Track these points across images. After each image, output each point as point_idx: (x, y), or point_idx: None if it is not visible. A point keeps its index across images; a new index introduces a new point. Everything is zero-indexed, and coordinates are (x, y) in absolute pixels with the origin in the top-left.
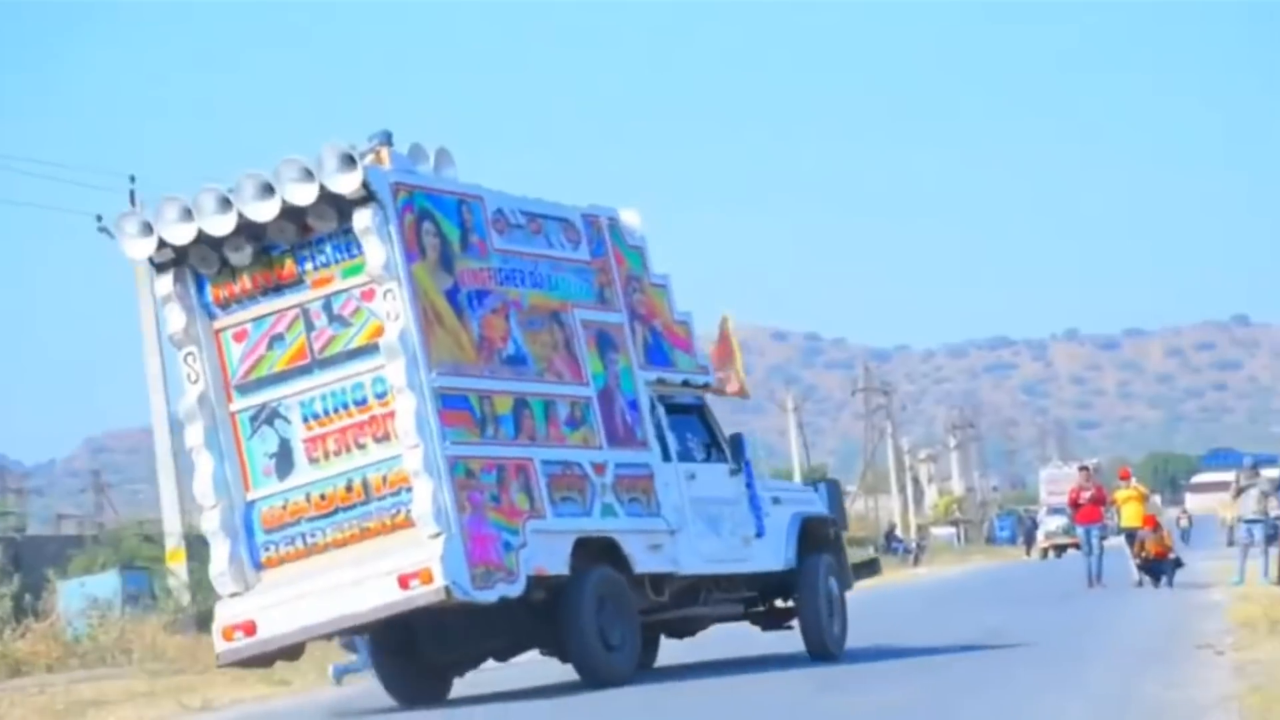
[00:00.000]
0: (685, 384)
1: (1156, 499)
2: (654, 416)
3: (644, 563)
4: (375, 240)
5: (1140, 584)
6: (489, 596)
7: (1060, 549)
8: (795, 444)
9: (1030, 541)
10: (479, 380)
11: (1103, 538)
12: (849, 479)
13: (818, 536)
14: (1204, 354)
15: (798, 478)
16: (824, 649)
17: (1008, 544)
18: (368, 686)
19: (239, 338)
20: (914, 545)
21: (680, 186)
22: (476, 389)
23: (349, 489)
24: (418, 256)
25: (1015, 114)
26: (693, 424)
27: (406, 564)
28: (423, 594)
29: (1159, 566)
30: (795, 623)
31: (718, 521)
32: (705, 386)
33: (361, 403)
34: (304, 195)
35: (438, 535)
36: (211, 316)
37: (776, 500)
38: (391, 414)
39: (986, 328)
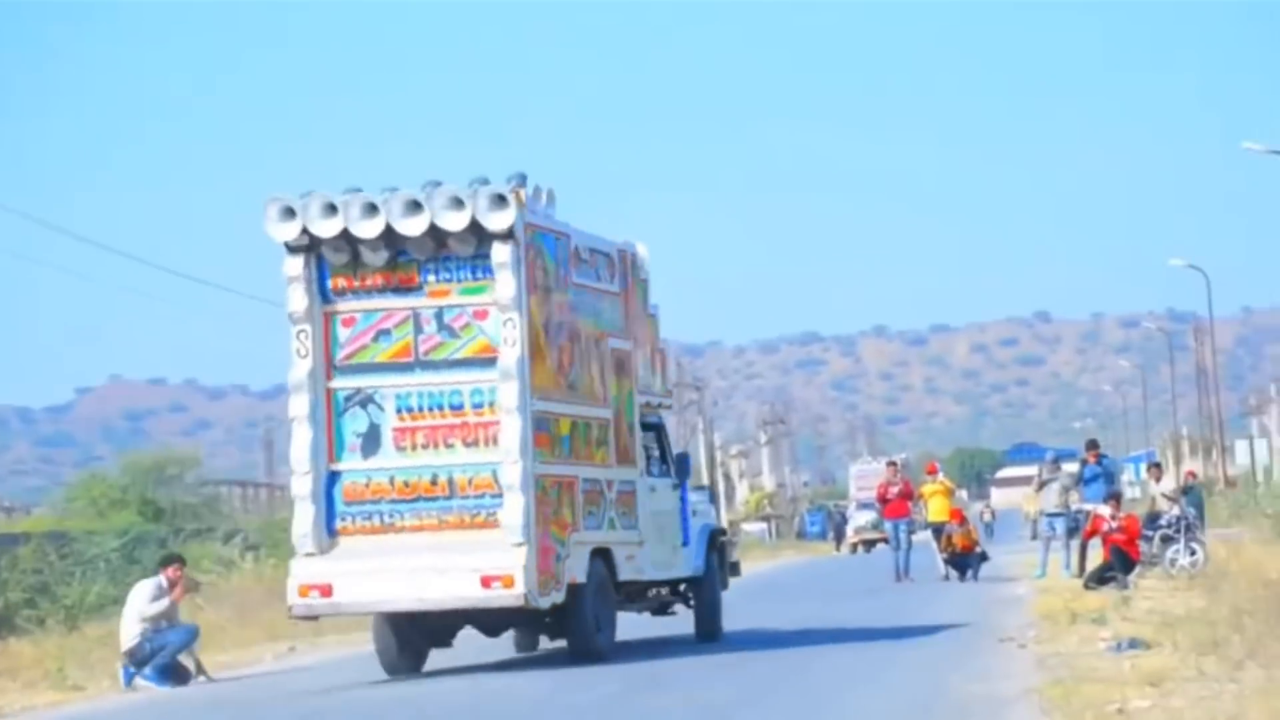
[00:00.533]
0: (657, 405)
1: (963, 493)
2: (639, 436)
3: (623, 571)
4: (509, 274)
5: (946, 578)
6: (546, 603)
7: (869, 544)
8: None
9: (840, 537)
10: (556, 405)
11: (910, 532)
12: None
13: (715, 544)
14: (1007, 349)
15: None
16: (712, 633)
17: (818, 539)
18: (159, 694)
19: (347, 323)
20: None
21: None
22: (554, 413)
23: (434, 482)
24: (532, 290)
25: (814, 109)
26: (652, 440)
27: (491, 566)
28: (502, 596)
29: (965, 560)
30: (677, 609)
31: (663, 531)
32: (667, 407)
33: (457, 408)
34: (454, 222)
35: (521, 545)
36: (326, 301)
37: (694, 512)
38: (486, 424)
39: (797, 323)
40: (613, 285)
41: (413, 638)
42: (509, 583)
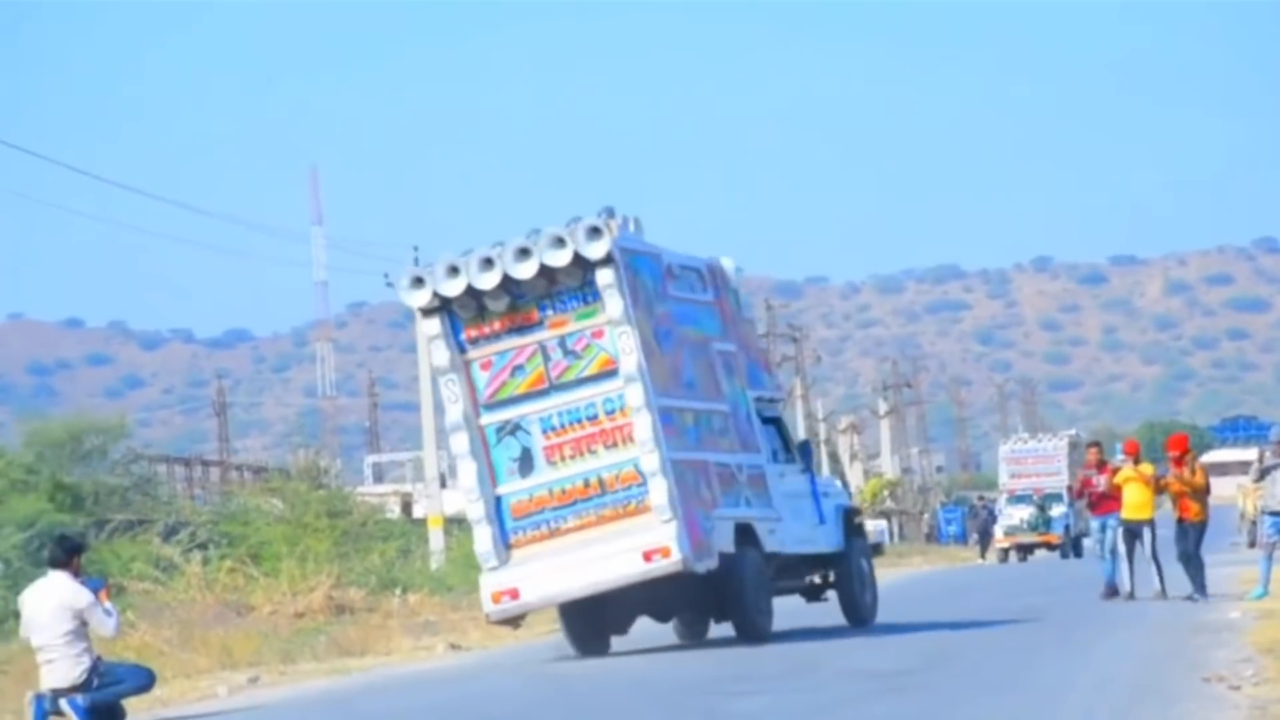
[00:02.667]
0: (771, 400)
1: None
2: (758, 426)
3: (768, 544)
4: (615, 294)
5: (1164, 594)
6: (702, 568)
7: (1025, 549)
8: None
9: (986, 539)
10: (677, 400)
11: (1134, 536)
12: None
13: (853, 524)
14: (1217, 289)
15: None
16: (860, 616)
17: (956, 542)
18: None
19: (485, 367)
20: None
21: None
22: (678, 407)
23: (586, 485)
24: (637, 305)
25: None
26: (773, 432)
27: (648, 542)
28: (663, 565)
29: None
30: (830, 595)
31: (799, 511)
32: (781, 401)
33: (593, 418)
34: (560, 259)
35: (670, 520)
36: (463, 351)
37: (825, 494)
38: (620, 427)
39: (929, 254)
40: (706, 295)
41: (594, 628)
42: (667, 553)
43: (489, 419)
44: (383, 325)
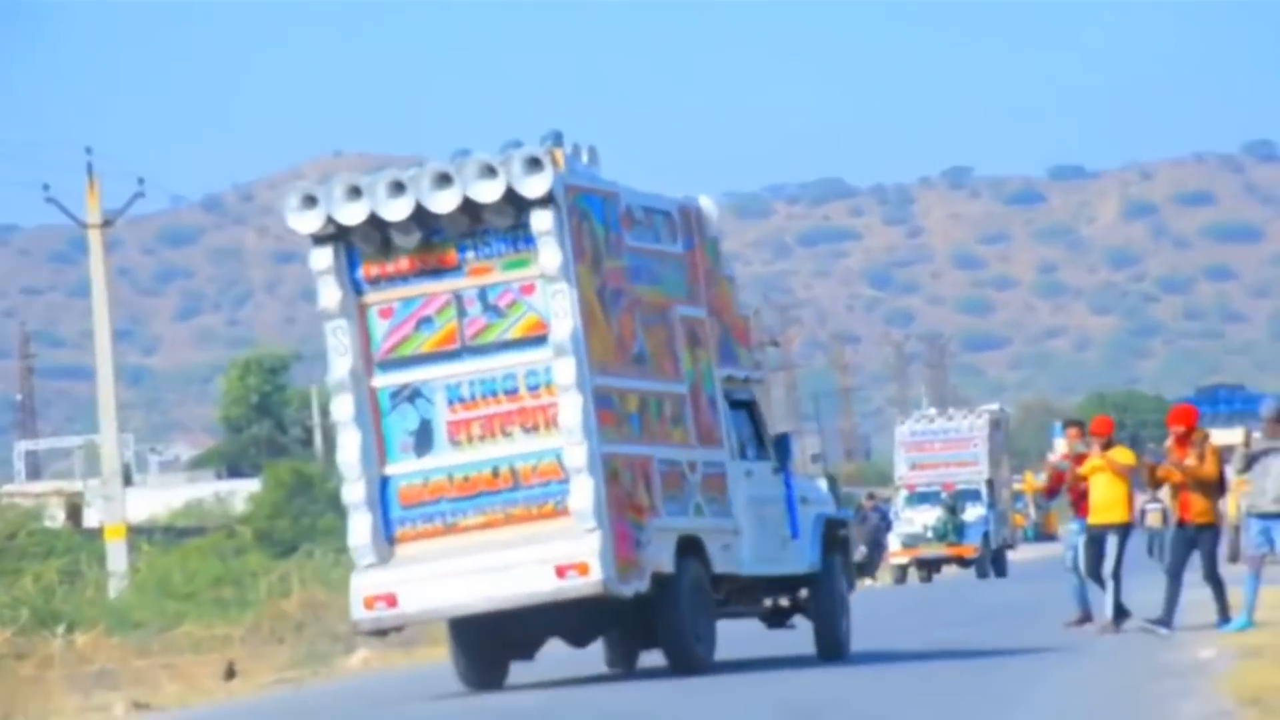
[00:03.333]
0: (745, 381)
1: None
2: (724, 414)
3: (720, 563)
4: (553, 242)
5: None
6: (628, 591)
7: (929, 565)
8: None
9: (877, 552)
10: (620, 379)
11: (1122, 542)
12: None
13: (833, 538)
14: (1194, 211)
15: None
16: (836, 650)
17: None
18: None
19: (384, 314)
20: None
21: None
22: (618, 388)
23: (495, 474)
24: (580, 257)
25: None
26: (745, 420)
27: (564, 554)
28: (578, 585)
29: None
30: (796, 620)
31: (764, 521)
32: (759, 381)
33: (512, 392)
34: (488, 193)
35: (594, 530)
36: (359, 292)
37: (804, 499)
38: (544, 407)
39: (804, 166)
40: (675, 246)
41: (490, 651)
42: (584, 570)
43: (383, 380)
44: (41, 258)
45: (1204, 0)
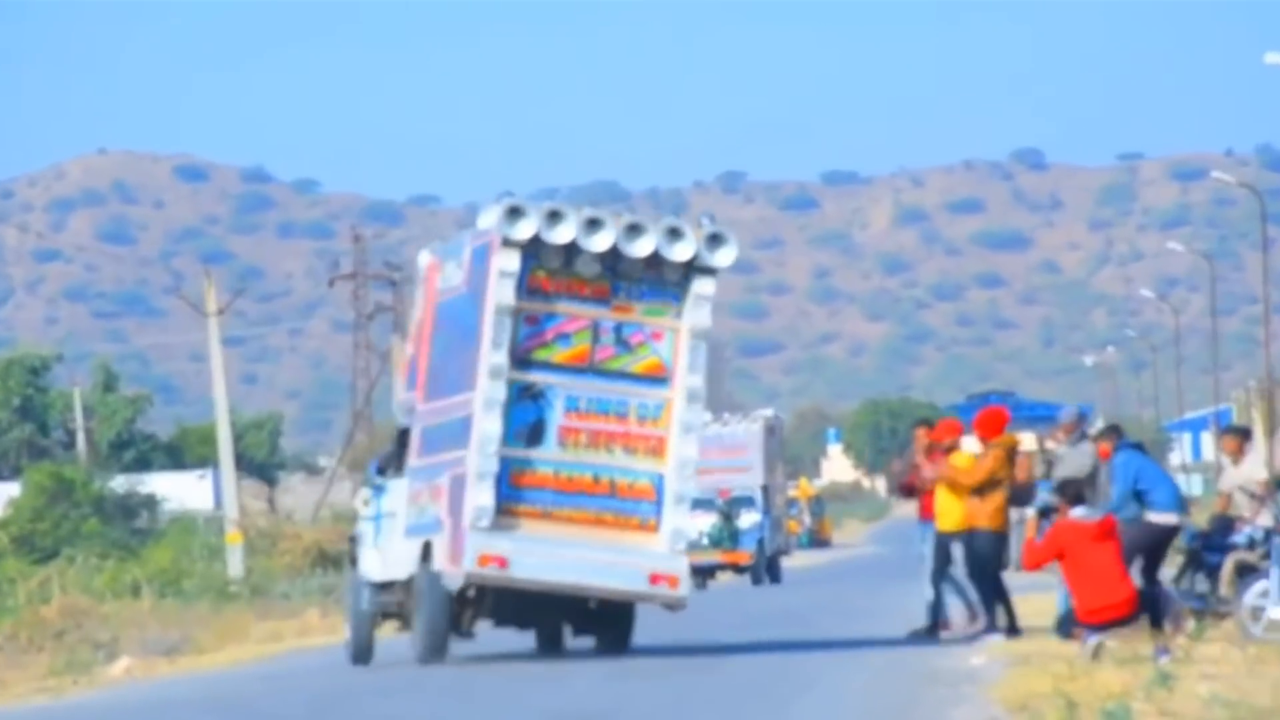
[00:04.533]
0: None
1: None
2: None
3: None
4: (707, 307)
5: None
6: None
7: (704, 572)
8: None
9: None
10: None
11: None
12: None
13: None
14: (966, 218)
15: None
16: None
17: None
18: None
19: (530, 321)
20: None
21: None
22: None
23: (596, 480)
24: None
25: None
26: None
27: (660, 568)
28: (665, 594)
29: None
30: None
31: None
32: None
33: (623, 416)
34: (679, 253)
35: (681, 551)
36: (519, 297)
37: None
38: (646, 436)
39: (579, 169)
40: None
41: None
42: (674, 584)
43: (514, 375)
44: None
45: (973, 9)
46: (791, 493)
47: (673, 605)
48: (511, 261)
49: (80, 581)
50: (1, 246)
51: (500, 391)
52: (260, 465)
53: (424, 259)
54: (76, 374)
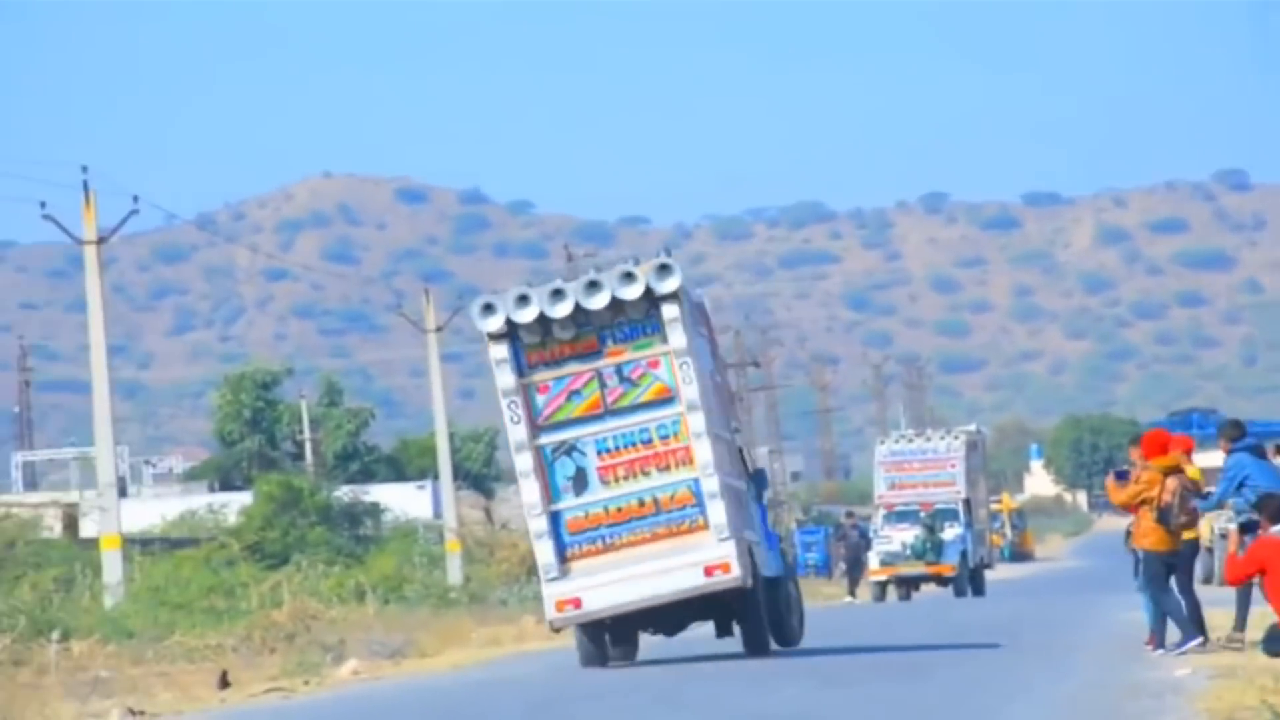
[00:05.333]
0: (737, 429)
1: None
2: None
3: (763, 566)
4: (679, 328)
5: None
6: (749, 584)
7: (908, 583)
8: None
9: (857, 569)
10: (721, 429)
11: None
12: None
13: (783, 549)
14: (1168, 237)
15: None
16: (788, 640)
17: (817, 572)
18: None
19: (542, 390)
20: None
21: None
22: (724, 436)
23: (641, 504)
24: (693, 338)
25: None
26: (738, 460)
27: (710, 558)
28: (722, 581)
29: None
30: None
31: (763, 536)
32: (739, 430)
33: (647, 442)
34: (631, 293)
35: (728, 539)
36: (523, 374)
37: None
38: (673, 450)
39: (786, 190)
40: (704, 330)
41: (607, 641)
42: (727, 569)
43: (546, 440)
44: (39, 274)
45: (1177, 29)
46: (994, 507)
47: (733, 591)
48: (500, 351)
49: (308, 586)
50: (233, 266)
51: (528, 462)
52: (477, 477)
53: None
54: (304, 388)
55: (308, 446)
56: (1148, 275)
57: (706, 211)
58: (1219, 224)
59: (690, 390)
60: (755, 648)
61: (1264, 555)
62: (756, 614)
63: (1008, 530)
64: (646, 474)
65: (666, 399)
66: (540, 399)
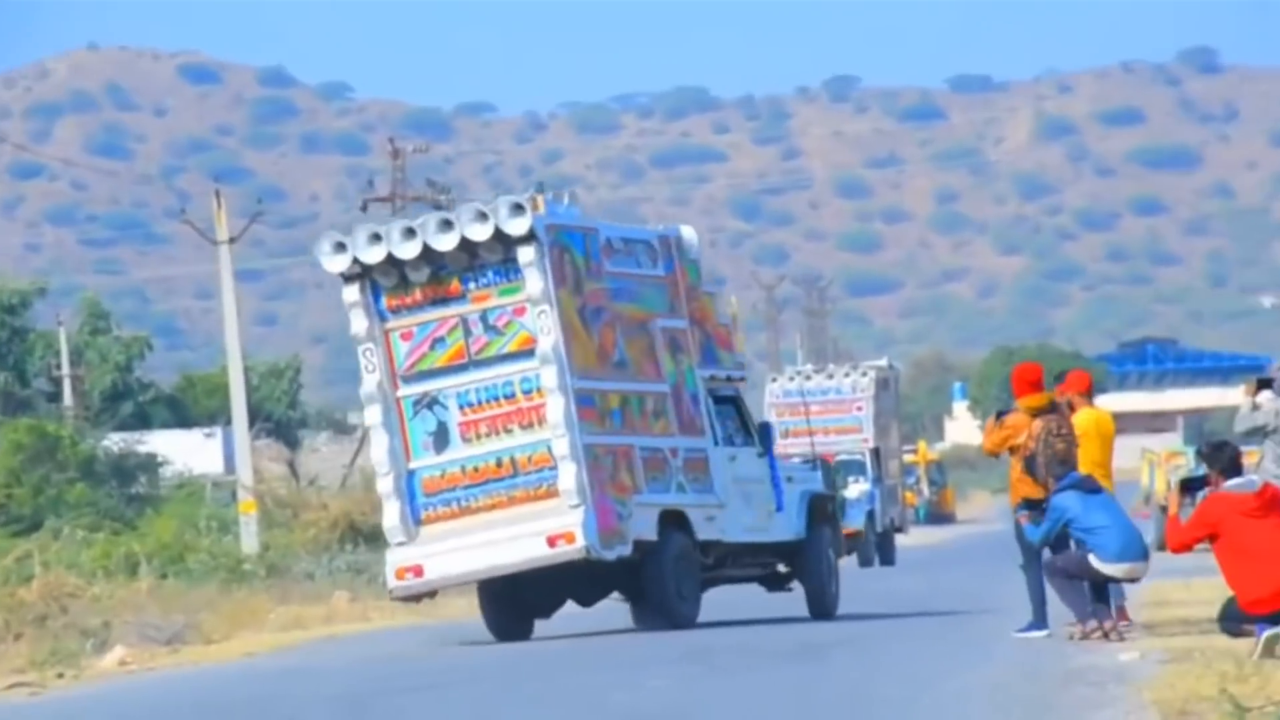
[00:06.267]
0: (727, 379)
1: None
2: (707, 407)
3: (703, 531)
4: (535, 272)
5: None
6: (610, 555)
7: None
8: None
9: None
10: (599, 382)
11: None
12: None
13: (821, 511)
14: (1118, 133)
15: None
16: (824, 609)
17: None
18: None
19: (405, 337)
20: None
21: None
22: (599, 389)
23: (499, 464)
24: (561, 283)
25: None
26: (731, 412)
27: (553, 527)
28: (566, 552)
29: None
30: (794, 585)
31: (749, 497)
32: (741, 380)
33: (510, 396)
34: (480, 233)
35: (578, 506)
36: (384, 320)
37: (789, 479)
38: (536, 407)
39: (660, 74)
40: (655, 269)
41: (515, 611)
42: (571, 539)
43: (406, 391)
44: None
45: None
46: (908, 458)
47: (580, 562)
48: (352, 294)
49: (66, 557)
50: None
51: (378, 415)
52: (279, 422)
53: None
54: (61, 312)
55: (66, 384)
56: (1096, 177)
57: (564, 98)
58: (1182, 115)
59: (545, 342)
60: (669, 621)
61: (1216, 515)
62: (648, 586)
63: (924, 487)
64: (509, 431)
65: (531, 350)
66: (404, 346)
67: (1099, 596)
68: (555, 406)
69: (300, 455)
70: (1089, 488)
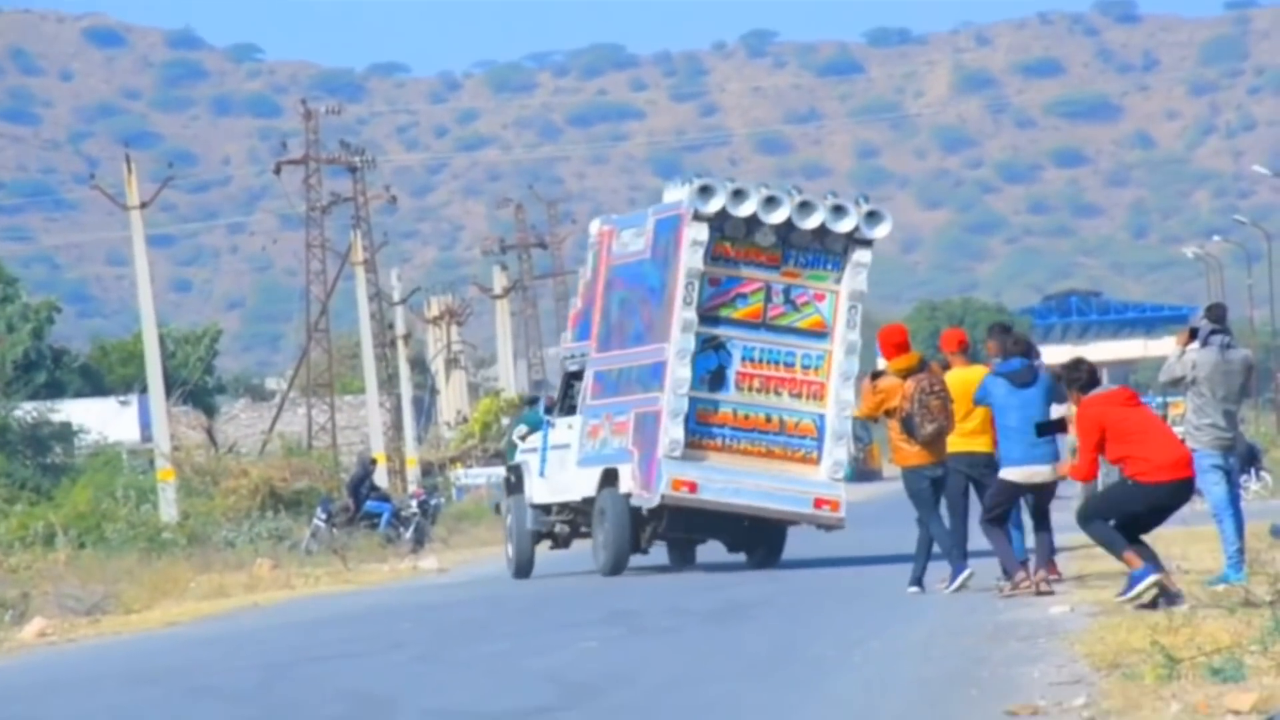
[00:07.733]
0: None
1: None
2: None
3: None
4: (862, 274)
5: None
6: (841, 526)
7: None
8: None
9: None
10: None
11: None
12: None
13: None
14: (1040, 83)
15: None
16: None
17: None
18: None
19: (713, 283)
20: (412, 511)
21: None
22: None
23: (768, 420)
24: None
25: None
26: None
27: (823, 494)
28: (828, 516)
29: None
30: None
31: None
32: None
33: (789, 365)
34: (841, 226)
35: (839, 479)
36: (707, 263)
37: None
38: (810, 382)
39: (576, 31)
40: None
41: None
42: (835, 507)
43: (701, 329)
44: None
45: None
46: None
47: (832, 526)
48: (702, 233)
49: None
50: None
51: (690, 343)
52: (196, 390)
53: (596, 226)
54: None
55: None
56: (1017, 129)
57: (479, 57)
58: (1102, 65)
59: (852, 334)
60: (767, 563)
61: (1096, 413)
62: (781, 541)
63: (850, 444)
64: (779, 394)
65: (820, 333)
66: (709, 290)
67: (1131, 539)
68: (847, 391)
69: (218, 422)
70: (1022, 381)
